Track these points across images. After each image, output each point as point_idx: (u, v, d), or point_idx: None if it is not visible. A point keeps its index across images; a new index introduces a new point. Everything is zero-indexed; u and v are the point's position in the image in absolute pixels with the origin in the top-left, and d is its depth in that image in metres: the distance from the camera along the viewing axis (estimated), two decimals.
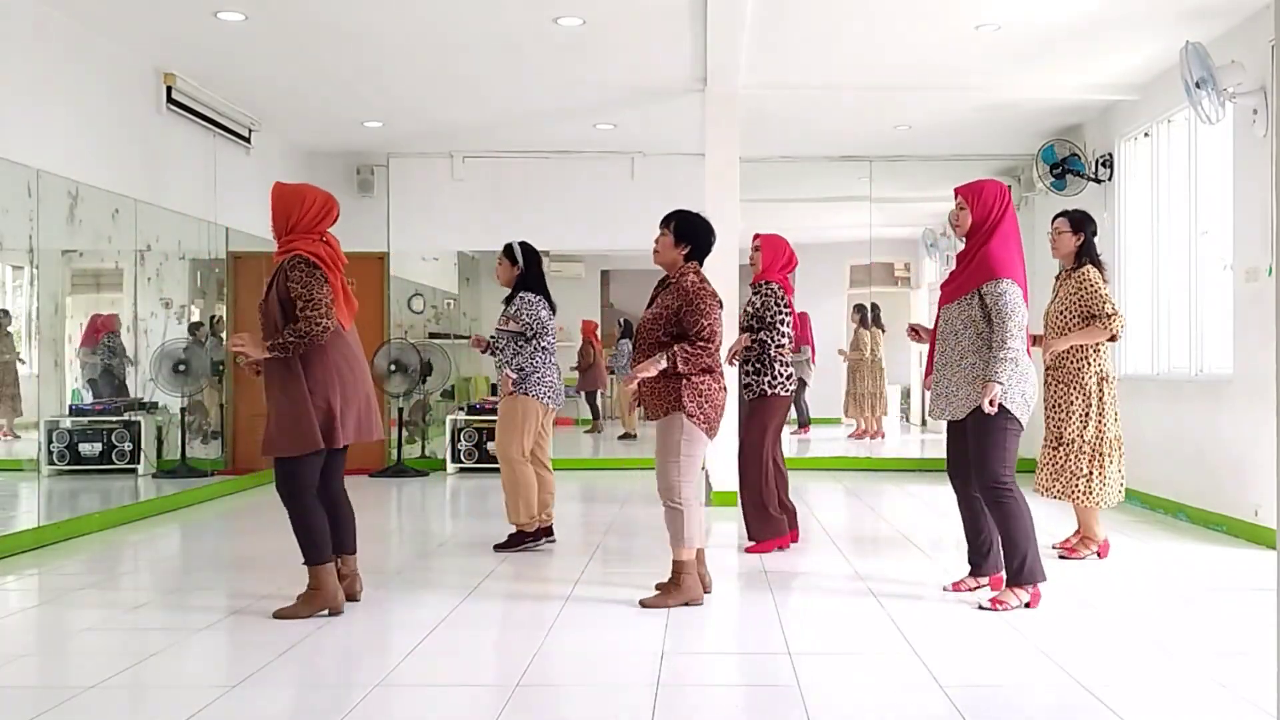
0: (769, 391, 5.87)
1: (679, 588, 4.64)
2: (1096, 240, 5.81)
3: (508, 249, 6.06)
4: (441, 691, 3.65)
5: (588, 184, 10.56)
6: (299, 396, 4.31)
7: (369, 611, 4.64)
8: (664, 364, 4.55)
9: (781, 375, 5.89)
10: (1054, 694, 3.52)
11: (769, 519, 5.95)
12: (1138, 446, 8.01)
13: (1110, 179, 8.67)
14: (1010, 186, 10.52)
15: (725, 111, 8.02)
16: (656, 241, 4.79)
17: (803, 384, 14.19)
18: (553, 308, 6.05)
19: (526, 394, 5.88)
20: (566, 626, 4.36)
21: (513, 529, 6.03)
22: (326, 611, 4.46)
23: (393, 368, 9.97)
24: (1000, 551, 4.68)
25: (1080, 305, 5.63)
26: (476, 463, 10.13)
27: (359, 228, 10.63)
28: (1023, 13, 6.63)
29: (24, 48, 6.29)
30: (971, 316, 4.59)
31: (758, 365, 5.90)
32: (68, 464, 7.47)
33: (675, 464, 4.60)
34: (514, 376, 5.88)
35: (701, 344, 4.56)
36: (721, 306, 4.73)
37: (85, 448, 7.59)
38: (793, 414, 14.79)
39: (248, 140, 9.12)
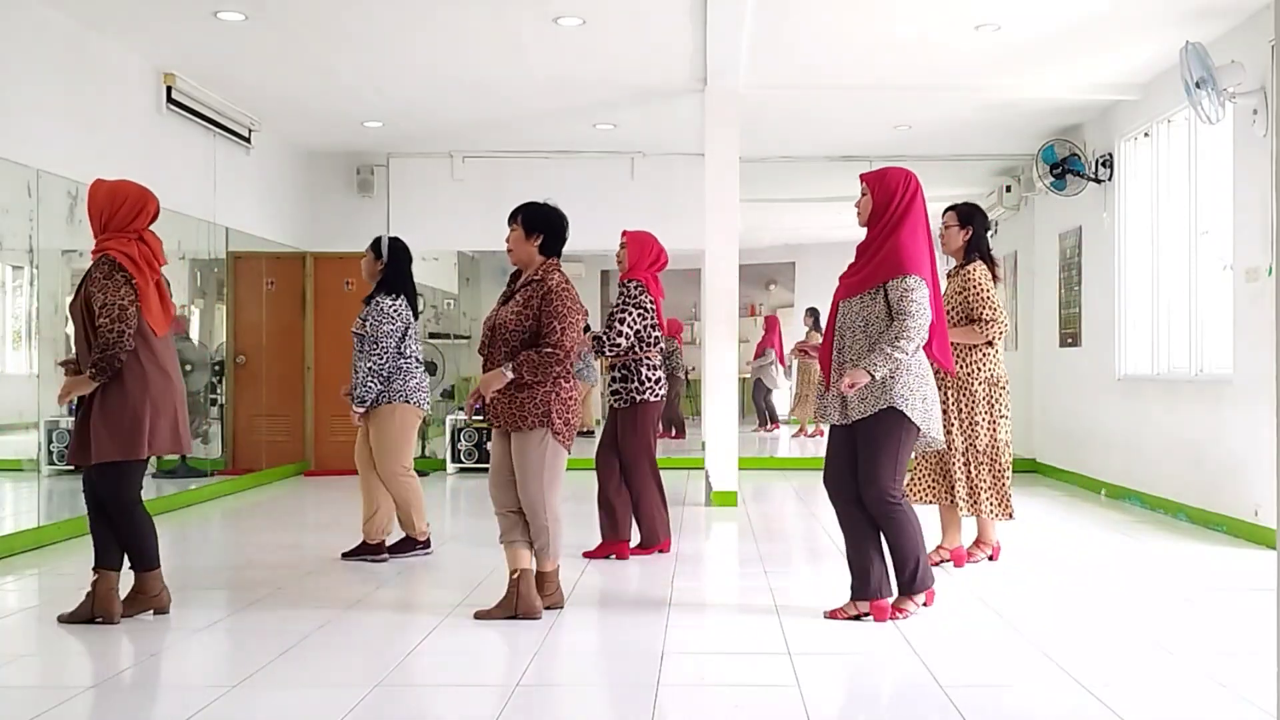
0: (638, 399, 5.72)
1: (520, 598, 4.44)
2: (991, 235, 5.45)
3: (375, 243, 5.79)
4: (441, 691, 3.65)
5: (587, 184, 10.54)
6: (122, 402, 4.17)
7: (368, 611, 4.64)
8: (510, 375, 4.33)
9: (650, 380, 5.73)
10: (1054, 694, 3.52)
11: (656, 523, 5.89)
12: (1138, 446, 8.02)
13: (1110, 179, 8.67)
14: (1010, 186, 10.53)
15: (725, 111, 8.02)
16: (508, 239, 4.54)
17: (765, 387, 14.60)
18: (415, 309, 5.76)
19: (394, 400, 5.56)
20: (566, 626, 4.36)
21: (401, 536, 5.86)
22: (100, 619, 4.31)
23: None
24: (881, 574, 4.34)
25: (964, 305, 5.33)
26: (476, 463, 10.13)
27: (359, 228, 10.61)
28: (1023, 13, 6.62)
29: (24, 48, 6.29)
30: (875, 313, 4.24)
31: (624, 372, 5.73)
32: (68, 464, 7.47)
33: (539, 480, 4.37)
34: (358, 411, 5.58)
35: (549, 350, 4.33)
36: (586, 315, 4.47)
37: None
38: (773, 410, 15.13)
39: (248, 140, 9.12)
